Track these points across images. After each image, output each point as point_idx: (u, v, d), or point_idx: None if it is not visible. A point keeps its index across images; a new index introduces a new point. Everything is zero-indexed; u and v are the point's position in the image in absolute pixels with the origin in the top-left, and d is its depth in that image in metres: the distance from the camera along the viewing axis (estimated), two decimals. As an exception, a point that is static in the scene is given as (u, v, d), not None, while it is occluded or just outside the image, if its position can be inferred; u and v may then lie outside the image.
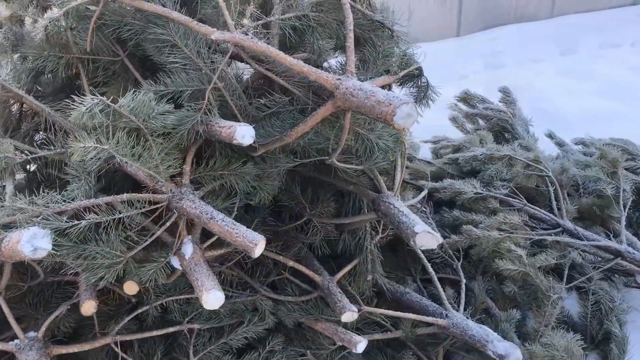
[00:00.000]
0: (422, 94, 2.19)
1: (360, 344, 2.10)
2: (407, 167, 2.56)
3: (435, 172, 3.08)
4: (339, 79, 1.46)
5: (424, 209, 2.79)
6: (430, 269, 2.36)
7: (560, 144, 3.87)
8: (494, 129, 3.77)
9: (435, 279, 2.35)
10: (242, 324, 2.18)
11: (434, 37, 7.48)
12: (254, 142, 1.65)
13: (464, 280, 2.47)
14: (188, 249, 1.68)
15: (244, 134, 1.45)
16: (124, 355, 2.04)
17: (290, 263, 2.21)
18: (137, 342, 2.20)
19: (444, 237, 2.64)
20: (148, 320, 2.15)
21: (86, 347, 1.90)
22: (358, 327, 2.43)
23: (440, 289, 2.33)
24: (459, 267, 2.55)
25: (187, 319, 2.16)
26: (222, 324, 2.20)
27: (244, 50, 1.54)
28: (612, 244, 2.55)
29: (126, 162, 1.50)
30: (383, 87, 1.80)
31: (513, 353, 2.06)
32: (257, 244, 1.42)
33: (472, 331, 2.19)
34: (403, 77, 2.17)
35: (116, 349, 2.01)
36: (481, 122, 3.93)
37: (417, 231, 1.71)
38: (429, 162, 3.19)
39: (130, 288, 1.86)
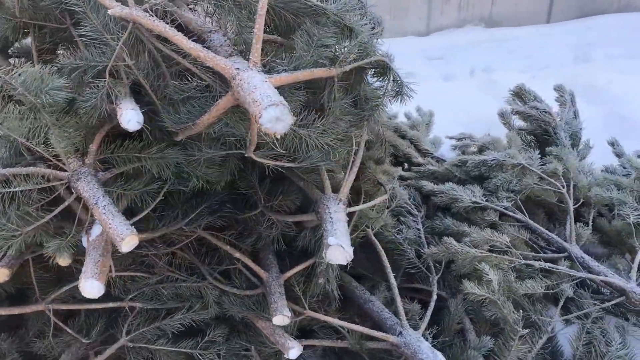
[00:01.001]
0: (398, 91, 2.04)
1: (293, 350, 2.03)
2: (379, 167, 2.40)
3: (442, 174, 2.88)
4: (238, 68, 1.37)
5: (416, 213, 2.63)
6: (392, 280, 2.22)
7: (618, 155, 3.50)
8: (536, 131, 3.46)
9: (396, 291, 2.21)
10: (182, 309, 2.19)
11: (521, 22, 6.98)
12: (172, 126, 1.62)
13: (434, 297, 2.30)
14: (96, 230, 1.68)
15: (129, 118, 1.41)
16: (59, 323, 2.11)
17: (237, 254, 2.17)
18: (84, 313, 2.28)
19: (432, 246, 2.49)
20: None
21: (15, 310, 1.99)
22: (313, 330, 2.37)
23: (399, 303, 2.19)
24: (434, 280, 2.39)
25: (129, 297, 2.20)
26: (166, 307, 2.22)
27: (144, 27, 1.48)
28: (616, 280, 2.27)
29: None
30: (318, 80, 1.68)
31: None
32: (124, 239, 1.38)
33: (422, 355, 2.05)
34: (375, 72, 2.04)
35: (51, 316, 2.09)
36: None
37: (330, 243, 1.60)
38: (438, 162, 2.99)
39: (63, 260, 1.91)
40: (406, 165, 3.20)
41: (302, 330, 2.34)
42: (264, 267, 2.18)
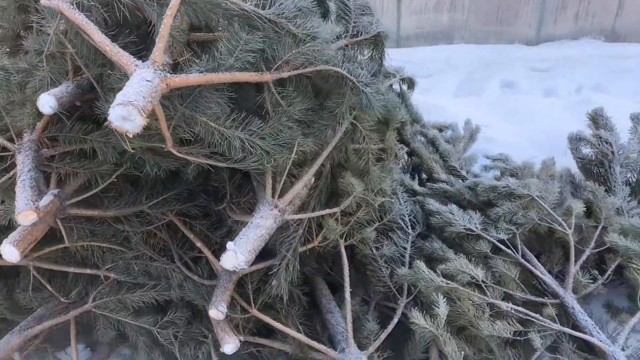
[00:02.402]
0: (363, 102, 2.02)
1: (228, 346, 2.12)
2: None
3: (453, 194, 2.76)
4: (137, 65, 1.48)
5: (409, 231, 2.57)
6: (347, 295, 2.22)
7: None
8: (592, 162, 3.20)
9: (348, 307, 2.20)
10: (146, 286, 2.38)
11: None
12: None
13: (394, 321, 2.27)
14: (45, 200, 1.90)
15: (44, 103, 1.58)
16: (40, 279, 2.40)
17: (198, 244, 2.30)
18: (72, 276, 2.54)
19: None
20: (77, 256, 2.46)
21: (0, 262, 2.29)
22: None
23: (349, 319, 2.19)
24: (402, 302, 2.34)
25: (106, 267, 2.43)
26: (135, 282, 2.42)
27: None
28: (597, 341, 2.06)
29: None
30: (253, 83, 1.74)
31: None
32: (20, 212, 1.56)
33: (355, 377, 2.04)
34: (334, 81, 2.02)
35: (32, 271, 2.38)
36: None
37: (228, 247, 1.67)
38: (462, 181, 2.86)
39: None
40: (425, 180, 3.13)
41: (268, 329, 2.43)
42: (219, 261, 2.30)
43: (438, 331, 1.98)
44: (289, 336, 2.22)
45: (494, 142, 4.29)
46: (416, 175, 3.27)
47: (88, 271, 2.41)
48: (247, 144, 1.77)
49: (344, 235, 2.40)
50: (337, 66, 1.86)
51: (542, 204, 2.43)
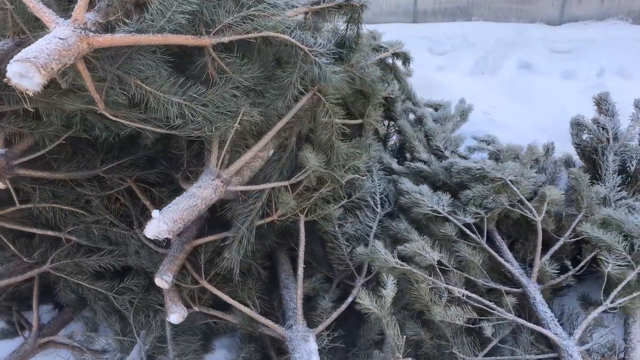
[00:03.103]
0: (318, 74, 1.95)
1: (174, 315, 2.12)
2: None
3: (429, 174, 2.68)
4: (57, 22, 1.45)
5: (378, 210, 2.51)
6: (300, 271, 2.18)
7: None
8: (586, 148, 3.06)
9: (300, 283, 2.17)
10: (104, 251, 2.39)
11: None
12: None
13: (349, 300, 2.22)
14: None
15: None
16: (3, 238, 2.43)
17: (153, 212, 2.28)
18: (39, 238, 2.57)
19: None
20: (41, 218, 2.48)
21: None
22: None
23: (299, 297, 2.16)
24: (359, 282, 2.29)
25: (67, 230, 2.44)
26: (95, 246, 2.43)
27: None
28: (552, 334, 1.98)
29: None
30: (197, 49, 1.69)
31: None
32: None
33: (297, 354, 2.02)
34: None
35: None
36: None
37: (153, 216, 1.64)
38: (430, 162, 2.76)
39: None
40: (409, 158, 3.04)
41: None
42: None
43: (382, 313, 1.93)
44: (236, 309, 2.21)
45: (496, 124, 4.16)
46: (400, 154, 3.19)
47: (50, 233, 2.43)
48: (186, 110, 1.74)
49: (305, 211, 2.36)
50: (286, 33, 1.80)
51: (514, 188, 2.33)
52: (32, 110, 1.74)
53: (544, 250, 2.37)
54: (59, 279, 2.45)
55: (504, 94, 4.85)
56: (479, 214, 2.35)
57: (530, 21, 6.10)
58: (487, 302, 2.08)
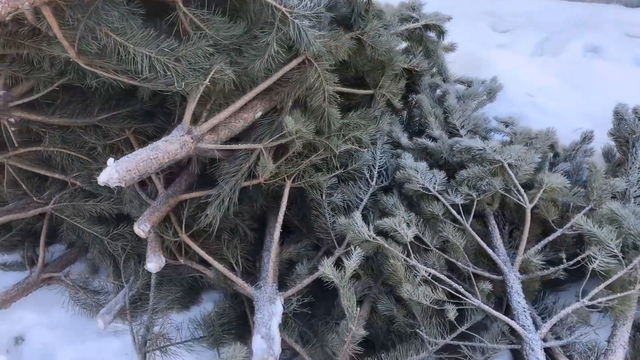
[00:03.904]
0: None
1: (151, 264, 2.21)
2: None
3: (432, 151, 2.59)
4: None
5: (372, 183, 2.47)
6: (276, 235, 2.20)
7: None
8: (619, 139, 2.86)
9: (273, 246, 2.21)
10: (101, 197, 2.51)
11: None
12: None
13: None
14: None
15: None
16: (16, 176, 2.60)
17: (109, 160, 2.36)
18: (51, 181, 2.73)
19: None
20: (52, 161, 2.62)
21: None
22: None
23: (272, 259, 2.20)
24: (337, 253, 2.28)
25: (73, 174, 2.57)
26: (97, 192, 2.55)
27: None
28: (517, 325, 1.90)
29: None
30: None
31: (259, 353, 1.91)
32: None
33: (260, 314, 2.05)
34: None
35: (7, 169, 2.58)
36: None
37: (108, 164, 1.70)
38: (441, 140, 2.65)
39: None
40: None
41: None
42: (167, 183, 2.36)
43: (340, 283, 1.92)
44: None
45: (538, 107, 3.95)
46: (418, 129, 3.11)
47: (57, 175, 2.58)
48: (156, 63, 1.78)
49: (292, 177, 2.36)
50: (261, -8, 1.79)
51: (510, 172, 2.22)
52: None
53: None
54: (63, 220, 2.61)
55: (560, 78, 4.58)
56: (470, 195, 2.27)
57: (606, 1, 5.69)
58: (454, 285, 2.02)
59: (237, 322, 2.39)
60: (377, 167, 2.56)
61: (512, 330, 2.08)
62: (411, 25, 3.19)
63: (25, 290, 2.59)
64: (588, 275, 2.01)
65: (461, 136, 2.83)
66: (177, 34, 1.88)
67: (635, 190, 2.56)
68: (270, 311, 2.08)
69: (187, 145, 1.89)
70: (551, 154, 2.98)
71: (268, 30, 1.93)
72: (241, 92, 2.06)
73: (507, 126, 2.89)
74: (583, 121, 3.97)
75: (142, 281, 2.46)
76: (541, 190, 2.22)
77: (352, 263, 1.97)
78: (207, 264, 2.41)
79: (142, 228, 2.14)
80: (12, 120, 2.40)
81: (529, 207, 2.19)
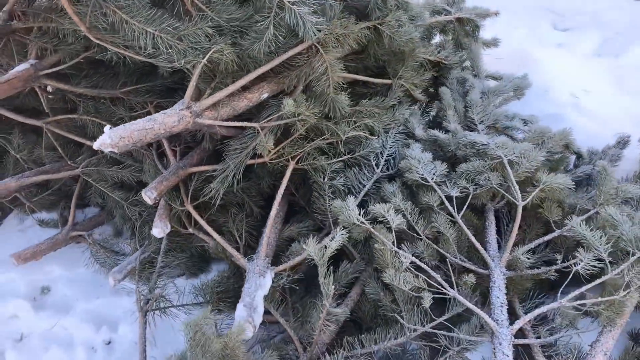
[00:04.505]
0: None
1: (156, 230, 2.37)
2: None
3: (442, 143, 2.58)
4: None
5: (376, 170, 2.51)
6: (273, 212, 2.30)
7: None
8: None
9: (269, 223, 2.31)
10: (123, 164, 2.69)
11: None
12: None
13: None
14: (21, 67, 2.24)
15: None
16: (54, 142, 2.82)
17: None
18: (86, 148, 2.95)
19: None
20: (87, 129, 2.83)
21: (19, 118, 2.74)
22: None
23: (265, 234, 2.30)
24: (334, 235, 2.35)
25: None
26: (122, 160, 2.74)
27: None
28: (489, 320, 1.90)
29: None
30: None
31: (238, 320, 2.02)
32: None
33: (248, 284, 2.16)
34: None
35: (45, 132, 2.81)
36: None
37: (104, 130, 1.84)
38: (453, 132, 2.64)
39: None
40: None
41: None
42: (181, 155, 2.51)
43: (319, 261, 2.00)
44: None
45: (580, 109, 3.82)
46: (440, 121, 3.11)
47: (88, 142, 2.78)
48: (159, 41, 1.91)
49: (297, 158, 2.45)
50: (258, -21, 1.89)
51: (508, 168, 2.21)
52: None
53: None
54: (91, 184, 2.82)
55: (613, 80, 4.39)
56: (467, 188, 2.27)
57: (680, 3, 5.37)
58: (432, 273, 2.05)
59: (235, 293, 2.51)
60: (385, 155, 2.60)
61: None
62: (441, 18, 3.18)
63: (54, 245, 2.83)
64: (569, 277, 1.98)
65: (478, 131, 2.81)
66: (184, 15, 2.00)
67: (651, 199, 2.48)
68: (258, 283, 2.18)
69: (185, 119, 2.01)
70: (573, 157, 2.93)
71: (267, 14, 2.02)
72: (245, 73, 2.17)
73: (525, 124, 2.85)
74: (628, 127, 3.82)
75: (154, 246, 2.63)
76: (537, 189, 2.19)
77: (333, 243, 2.04)
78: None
79: (148, 195, 2.29)
80: (49, 89, 2.63)
81: (520, 204, 2.17)
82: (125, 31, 1.90)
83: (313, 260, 2.02)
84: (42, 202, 3.00)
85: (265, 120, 2.25)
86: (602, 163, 2.42)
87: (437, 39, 3.43)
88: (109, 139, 1.81)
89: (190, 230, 2.57)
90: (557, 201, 2.35)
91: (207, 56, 1.96)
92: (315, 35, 2.03)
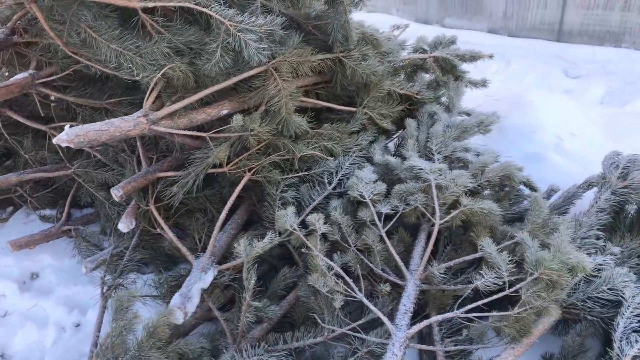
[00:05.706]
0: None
1: (121, 225, 2.66)
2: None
3: (392, 166, 2.77)
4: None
5: (327, 187, 2.73)
6: (222, 215, 2.54)
7: None
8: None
9: (216, 227, 2.54)
10: (107, 167, 3.01)
11: None
12: None
13: (257, 251, 2.52)
14: (20, 75, 2.61)
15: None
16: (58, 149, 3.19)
17: (138, 143, 2.82)
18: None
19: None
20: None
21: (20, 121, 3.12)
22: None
23: (213, 237, 2.53)
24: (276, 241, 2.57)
25: (96, 147, 3.11)
26: (109, 164, 3.06)
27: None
28: (387, 321, 2.06)
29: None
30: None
31: (174, 310, 2.25)
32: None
33: (190, 279, 2.40)
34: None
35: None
36: None
37: (65, 128, 2.14)
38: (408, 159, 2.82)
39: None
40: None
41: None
42: (151, 160, 2.81)
43: (245, 259, 2.23)
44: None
45: (562, 151, 3.92)
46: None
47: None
48: (121, 57, 2.23)
49: (252, 170, 2.70)
50: (206, 7, 2.18)
51: (434, 191, 2.39)
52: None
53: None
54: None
55: (606, 126, 4.46)
56: (397, 207, 2.46)
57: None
58: (346, 278, 2.25)
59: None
60: (339, 175, 2.82)
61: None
62: (415, 56, 3.41)
63: (47, 236, 3.17)
64: (468, 292, 2.13)
65: (434, 160, 3.00)
66: (145, 36, 2.32)
67: (585, 232, 2.59)
68: (198, 277, 2.42)
69: (141, 125, 2.31)
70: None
71: (216, 38, 2.31)
72: (203, 90, 2.46)
73: (478, 156, 3.00)
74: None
75: (127, 242, 2.92)
76: (457, 211, 2.36)
77: (260, 244, 2.27)
78: (180, 236, 2.82)
79: (115, 193, 2.59)
80: (52, 97, 3.01)
81: (437, 223, 2.34)
82: (94, 47, 2.23)
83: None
84: (43, 199, 3.36)
85: (214, 132, 2.52)
86: (535, 195, 2.56)
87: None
88: (66, 136, 2.12)
89: (158, 230, 2.85)
90: (490, 227, 2.51)
91: (161, 72, 2.27)
92: (260, 59, 2.30)
